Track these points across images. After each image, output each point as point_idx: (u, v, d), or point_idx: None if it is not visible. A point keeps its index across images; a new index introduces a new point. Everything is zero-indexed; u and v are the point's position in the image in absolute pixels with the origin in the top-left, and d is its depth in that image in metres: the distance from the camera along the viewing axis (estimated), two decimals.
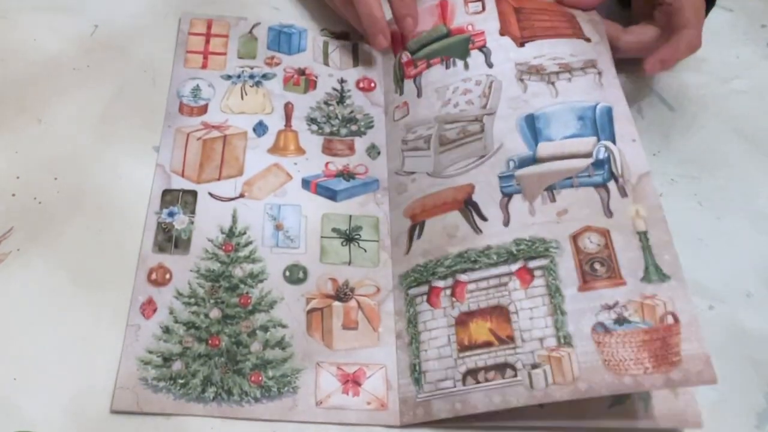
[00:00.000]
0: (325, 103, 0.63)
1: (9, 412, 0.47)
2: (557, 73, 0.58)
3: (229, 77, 0.63)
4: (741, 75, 0.69)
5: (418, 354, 0.51)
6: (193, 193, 0.57)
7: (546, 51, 0.60)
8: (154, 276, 0.53)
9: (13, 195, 0.55)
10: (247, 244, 0.55)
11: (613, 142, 0.54)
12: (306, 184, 0.58)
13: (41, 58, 0.62)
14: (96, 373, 0.49)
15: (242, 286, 0.53)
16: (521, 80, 0.59)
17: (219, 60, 0.64)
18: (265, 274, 0.54)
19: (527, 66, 0.59)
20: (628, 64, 0.69)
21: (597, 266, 0.50)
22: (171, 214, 0.55)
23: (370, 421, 0.49)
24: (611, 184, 0.53)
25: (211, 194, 0.57)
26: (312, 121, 0.62)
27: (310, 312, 0.53)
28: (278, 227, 0.56)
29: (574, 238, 0.51)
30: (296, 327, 0.52)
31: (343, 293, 0.54)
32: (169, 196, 0.56)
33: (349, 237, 0.56)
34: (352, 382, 0.50)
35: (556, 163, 0.54)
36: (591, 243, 0.51)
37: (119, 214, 0.55)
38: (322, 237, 0.56)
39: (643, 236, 0.50)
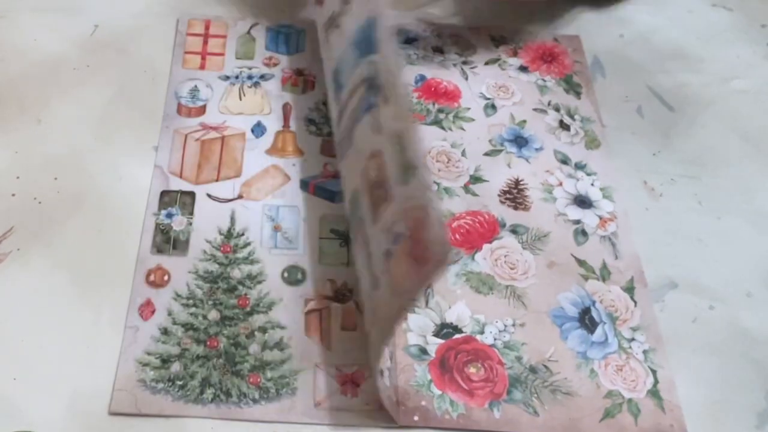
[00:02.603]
0: (324, 103, 0.63)
1: (9, 412, 0.47)
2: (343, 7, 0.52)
3: (227, 78, 0.63)
4: (741, 75, 0.69)
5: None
6: (192, 195, 0.57)
7: None
8: (152, 277, 0.53)
9: (13, 195, 0.55)
10: (245, 246, 0.55)
11: (377, 51, 0.47)
12: (304, 185, 0.58)
13: (41, 58, 0.62)
14: (95, 375, 0.49)
15: (240, 287, 0.53)
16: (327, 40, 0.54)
17: (217, 61, 0.64)
18: (264, 275, 0.54)
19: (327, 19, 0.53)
20: (627, 63, 0.69)
21: (376, 192, 0.45)
22: (169, 216, 0.56)
23: (369, 423, 0.49)
24: (380, 100, 0.46)
25: (209, 195, 0.57)
26: (310, 121, 0.62)
27: (308, 313, 0.53)
28: (276, 228, 0.56)
29: (364, 174, 0.46)
30: (295, 328, 0.52)
31: (341, 294, 0.54)
32: (167, 197, 0.56)
33: (348, 238, 0.56)
34: (350, 383, 0.50)
35: (348, 110, 0.49)
36: (372, 171, 0.46)
37: (118, 215, 0.55)
38: (320, 238, 0.56)
39: (398, 137, 0.44)
